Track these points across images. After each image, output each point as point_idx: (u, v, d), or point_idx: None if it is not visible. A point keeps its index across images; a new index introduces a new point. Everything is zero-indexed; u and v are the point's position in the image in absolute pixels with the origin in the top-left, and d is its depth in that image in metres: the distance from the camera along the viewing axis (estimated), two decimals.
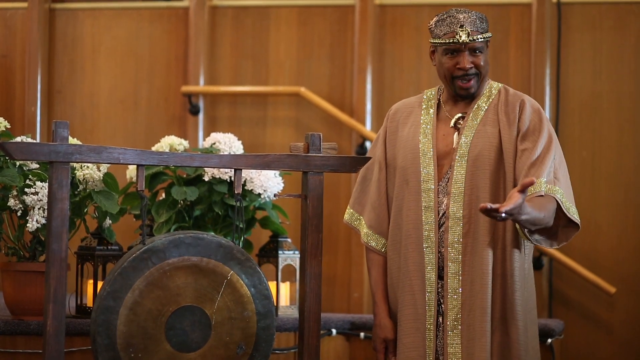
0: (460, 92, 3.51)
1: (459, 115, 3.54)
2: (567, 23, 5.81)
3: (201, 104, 6.10)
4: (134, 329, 3.36)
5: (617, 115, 5.74)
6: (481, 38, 3.47)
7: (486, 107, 3.52)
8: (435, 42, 3.51)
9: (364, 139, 5.87)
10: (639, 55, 5.74)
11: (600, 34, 5.79)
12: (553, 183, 3.38)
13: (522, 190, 3.12)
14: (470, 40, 3.45)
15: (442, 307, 3.45)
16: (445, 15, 3.50)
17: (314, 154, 3.57)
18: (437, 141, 3.51)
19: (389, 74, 5.98)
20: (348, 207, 3.72)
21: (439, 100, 3.60)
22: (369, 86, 5.94)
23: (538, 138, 3.43)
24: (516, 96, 3.53)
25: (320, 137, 3.60)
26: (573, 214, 3.40)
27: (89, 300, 4.20)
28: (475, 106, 3.53)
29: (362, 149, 5.87)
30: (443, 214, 3.47)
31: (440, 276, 3.47)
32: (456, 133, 3.51)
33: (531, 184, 3.12)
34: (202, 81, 6.10)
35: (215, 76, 6.15)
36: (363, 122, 5.90)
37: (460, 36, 3.45)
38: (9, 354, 3.98)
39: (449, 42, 3.47)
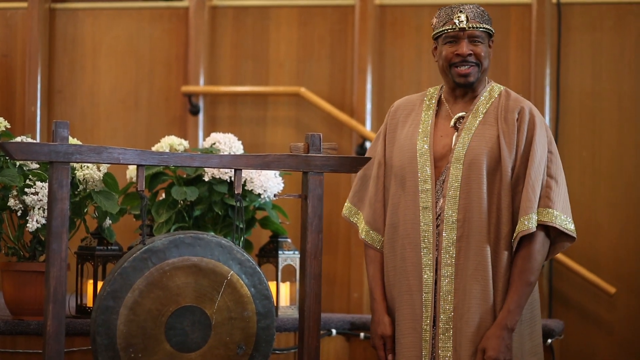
0: (458, 80, 3.47)
1: (459, 115, 3.52)
2: (567, 23, 5.81)
3: (201, 104, 6.10)
4: (134, 329, 3.36)
5: (617, 116, 5.74)
6: (481, 27, 3.46)
7: (486, 109, 3.49)
8: (436, 33, 3.50)
9: (364, 139, 5.87)
10: (638, 56, 5.74)
11: (600, 34, 5.79)
12: (546, 206, 3.40)
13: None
14: (469, 27, 3.44)
15: (437, 309, 3.44)
16: (445, 7, 3.51)
17: (314, 154, 3.57)
18: (434, 142, 3.49)
19: (389, 74, 5.98)
20: (347, 201, 3.71)
21: (440, 98, 3.58)
22: (369, 86, 5.95)
23: (530, 158, 3.41)
24: (517, 102, 3.49)
25: (320, 137, 3.60)
26: (571, 230, 3.43)
27: (89, 300, 4.20)
28: (475, 107, 3.50)
29: (362, 149, 5.87)
30: (439, 216, 3.46)
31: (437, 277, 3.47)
32: (455, 134, 3.50)
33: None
34: (202, 81, 6.10)
35: (215, 76, 6.15)
36: (363, 123, 5.90)
37: (459, 20, 3.45)
38: (9, 354, 3.98)
39: (447, 29, 3.47)
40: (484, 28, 3.47)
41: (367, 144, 5.87)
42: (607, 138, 5.74)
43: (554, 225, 3.38)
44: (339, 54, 6.04)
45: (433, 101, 3.57)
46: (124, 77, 6.22)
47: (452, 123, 3.51)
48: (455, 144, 3.46)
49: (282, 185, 4.43)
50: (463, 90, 3.52)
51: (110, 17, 6.26)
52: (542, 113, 5.50)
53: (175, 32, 6.19)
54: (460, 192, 3.42)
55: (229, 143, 4.45)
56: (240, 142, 4.51)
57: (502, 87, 3.56)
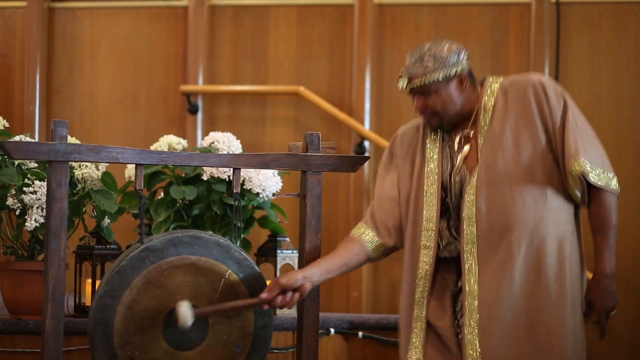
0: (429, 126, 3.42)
1: (461, 135, 3.39)
2: (566, 23, 5.81)
3: (200, 103, 6.10)
4: (131, 327, 3.36)
5: (616, 115, 5.74)
6: (423, 82, 3.32)
7: (489, 118, 3.36)
8: None
9: (363, 138, 5.87)
10: (637, 55, 5.74)
11: (599, 33, 5.79)
12: (603, 168, 3.61)
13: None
14: (409, 88, 3.36)
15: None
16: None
17: (313, 154, 3.57)
18: (441, 172, 3.39)
19: (388, 73, 5.98)
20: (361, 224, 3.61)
21: None
22: (367, 85, 5.95)
23: (565, 123, 3.32)
24: (520, 88, 3.33)
25: (319, 136, 3.60)
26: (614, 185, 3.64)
27: (87, 300, 4.21)
28: (480, 122, 3.35)
29: (361, 148, 5.87)
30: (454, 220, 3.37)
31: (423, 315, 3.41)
32: (460, 155, 3.37)
33: None
34: (201, 80, 6.10)
35: (214, 75, 6.15)
36: (362, 122, 5.90)
37: (401, 85, 3.38)
38: (8, 353, 3.98)
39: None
40: (427, 82, 3.31)
41: (366, 143, 5.87)
42: (606, 137, 5.72)
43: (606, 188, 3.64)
44: (337, 53, 6.04)
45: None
46: (122, 76, 6.22)
47: (455, 147, 3.40)
48: (460, 165, 3.36)
49: (281, 184, 4.43)
50: None
51: (109, 17, 6.26)
52: None
53: (174, 31, 6.19)
54: (476, 212, 3.29)
55: (227, 142, 4.45)
56: (239, 141, 4.51)
57: (498, 83, 3.40)
